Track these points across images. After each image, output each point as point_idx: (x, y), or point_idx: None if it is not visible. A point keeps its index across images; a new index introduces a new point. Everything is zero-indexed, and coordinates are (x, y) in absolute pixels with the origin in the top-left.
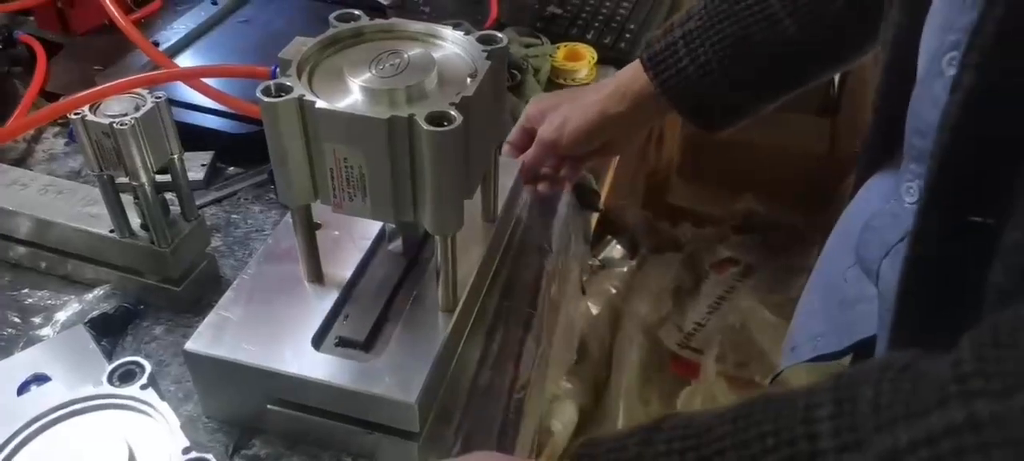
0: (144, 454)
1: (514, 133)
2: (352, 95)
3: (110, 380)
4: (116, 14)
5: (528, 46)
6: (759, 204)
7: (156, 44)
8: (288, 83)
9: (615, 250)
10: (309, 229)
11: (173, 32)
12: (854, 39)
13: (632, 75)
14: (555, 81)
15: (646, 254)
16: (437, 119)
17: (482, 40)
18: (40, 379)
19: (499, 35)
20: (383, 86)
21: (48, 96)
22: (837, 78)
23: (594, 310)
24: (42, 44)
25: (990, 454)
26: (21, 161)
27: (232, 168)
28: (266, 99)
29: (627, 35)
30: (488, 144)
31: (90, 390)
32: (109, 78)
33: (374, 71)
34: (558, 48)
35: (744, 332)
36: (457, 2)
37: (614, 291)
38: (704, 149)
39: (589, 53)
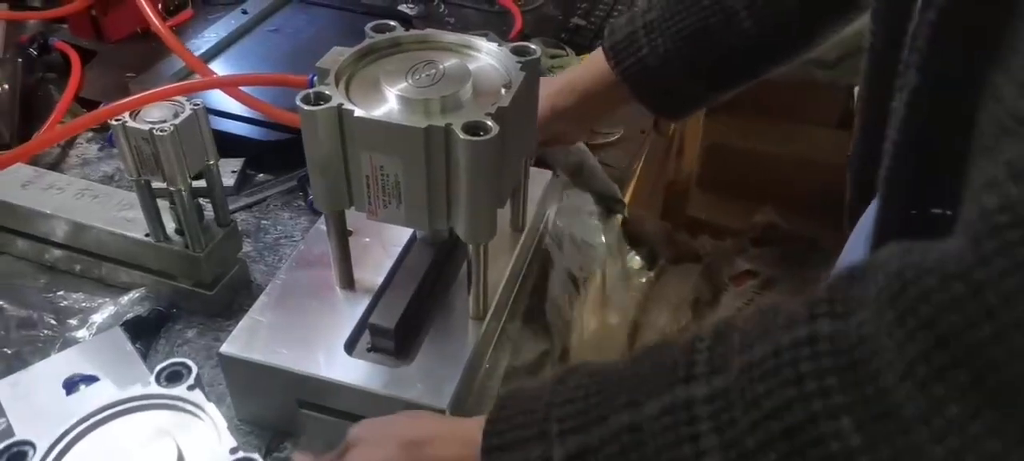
0: (192, 453)
1: None
2: (389, 104)
3: (158, 380)
4: (157, 23)
5: (553, 57)
6: (778, 216)
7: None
8: (327, 92)
9: (634, 261)
10: (343, 235)
11: (204, 40)
12: (805, 34)
13: (584, 69)
14: None
15: (665, 265)
16: (474, 129)
17: (516, 51)
18: (88, 379)
19: (532, 46)
20: (419, 96)
21: (82, 102)
22: (856, 91)
23: (613, 320)
24: (76, 51)
25: (821, 362)
26: (55, 166)
27: (261, 175)
28: (306, 107)
29: None
30: (520, 154)
31: (139, 390)
32: (142, 85)
33: (410, 81)
34: (582, 59)
35: None
36: (482, 13)
37: (633, 302)
38: (724, 161)
39: (571, 55)
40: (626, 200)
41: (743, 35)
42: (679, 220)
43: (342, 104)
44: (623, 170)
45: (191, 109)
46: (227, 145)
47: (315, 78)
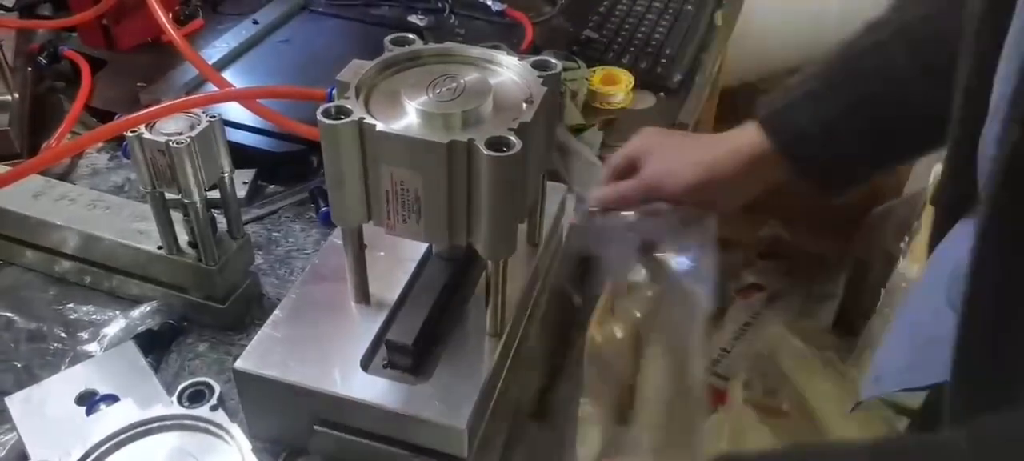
0: None
1: (617, 158)
2: (409, 118)
3: (180, 400)
4: (172, 33)
5: (565, 70)
6: (784, 230)
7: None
8: (348, 105)
9: (639, 274)
10: (360, 250)
11: (215, 50)
12: None
13: (747, 137)
14: (591, 105)
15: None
16: (497, 144)
17: (537, 66)
18: (109, 398)
19: (553, 61)
20: (440, 110)
21: (93, 111)
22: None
23: (618, 334)
24: (86, 60)
25: None
26: (65, 176)
27: (273, 186)
28: (327, 121)
29: (663, 60)
30: (539, 169)
31: (160, 410)
32: (153, 94)
33: (431, 95)
34: (594, 72)
35: (772, 360)
36: (492, 25)
37: (639, 315)
38: None
39: (625, 77)
40: None
41: (912, 105)
42: None
43: (363, 118)
44: None
45: (207, 121)
46: (238, 156)
47: (334, 91)
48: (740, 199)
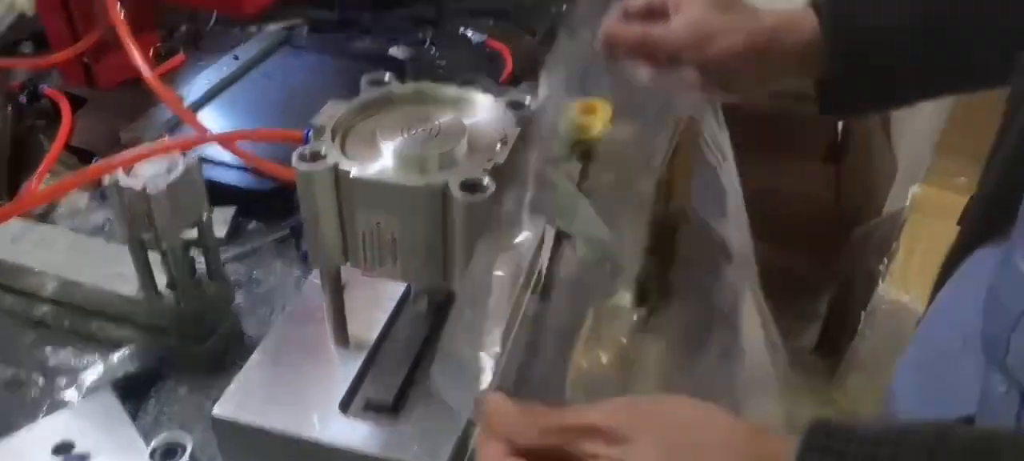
0: None
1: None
2: (385, 161)
3: (152, 458)
4: (148, 73)
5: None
6: (766, 251)
7: (180, 100)
8: (322, 149)
9: (624, 298)
10: (338, 291)
11: (195, 87)
12: None
13: (806, 19)
14: (568, 135)
15: (655, 302)
16: (471, 187)
17: (511, 105)
18: (83, 458)
19: (527, 99)
20: (415, 153)
21: (73, 150)
22: (840, 124)
23: (604, 359)
24: (67, 98)
25: None
26: (45, 216)
27: (253, 223)
28: (302, 167)
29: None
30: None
31: None
32: (133, 133)
33: (406, 136)
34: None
35: None
36: (472, 56)
37: (624, 340)
38: None
39: (603, 106)
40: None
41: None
42: (667, 256)
43: (338, 163)
44: (615, 215)
45: (185, 164)
46: (218, 193)
47: (311, 133)
48: (772, 85)
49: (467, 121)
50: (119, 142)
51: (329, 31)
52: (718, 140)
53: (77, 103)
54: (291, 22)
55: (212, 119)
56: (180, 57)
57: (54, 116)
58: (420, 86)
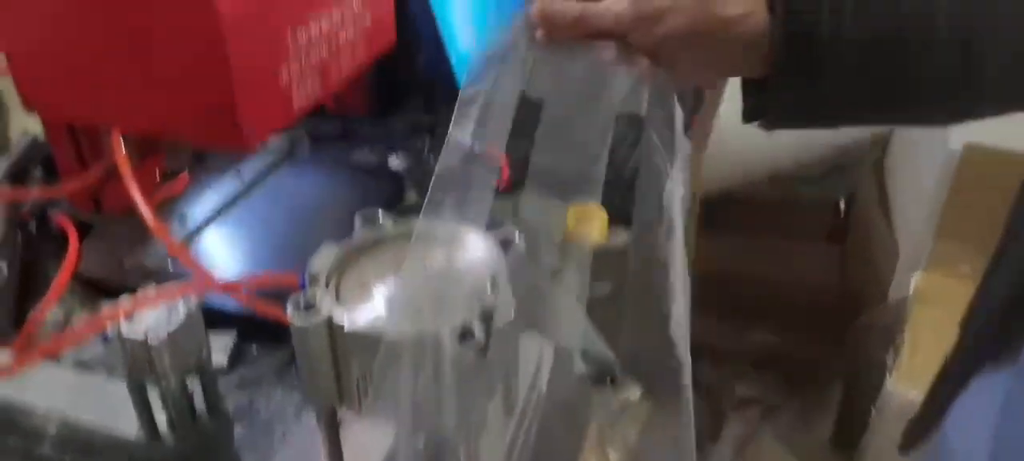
0: None
1: None
2: (378, 308)
3: None
4: (150, 217)
5: (543, 211)
6: (773, 336)
7: (184, 221)
8: (316, 300)
9: (633, 391)
10: (335, 432)
11: (200, 208)
12: None
13: (752, 5)
14: (565, 244)
15: (663, 395)
16: (461, 336)
17: (502, 242)
18: None
19: (516, 235)
20: (407, 299)
21: (79, 279)
22: (843, 203)
23: (613, 457)
24: (74, 224)
25: None
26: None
27: (255, 348)
28: (297, 322)
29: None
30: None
31: None
32: (137, 260)
33: (398, 281)
34: (572, 210)
35: None
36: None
37: (634, 436)
38: (714, 282)
39: (599, 214)
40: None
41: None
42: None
43: (331, 315)
44: (615, 327)
45: (185, 310)
46: (219, 319)
47: (306, 278)
48: (720, 74)
49: (458, 261)
50: (124, 271)
51: (331, 140)
52: (665, 138)
53: (84, 229)
54: (293, 135)
55: (216, 243)
56: (184, 177)
57: (62, 242)
58: (411, 224)
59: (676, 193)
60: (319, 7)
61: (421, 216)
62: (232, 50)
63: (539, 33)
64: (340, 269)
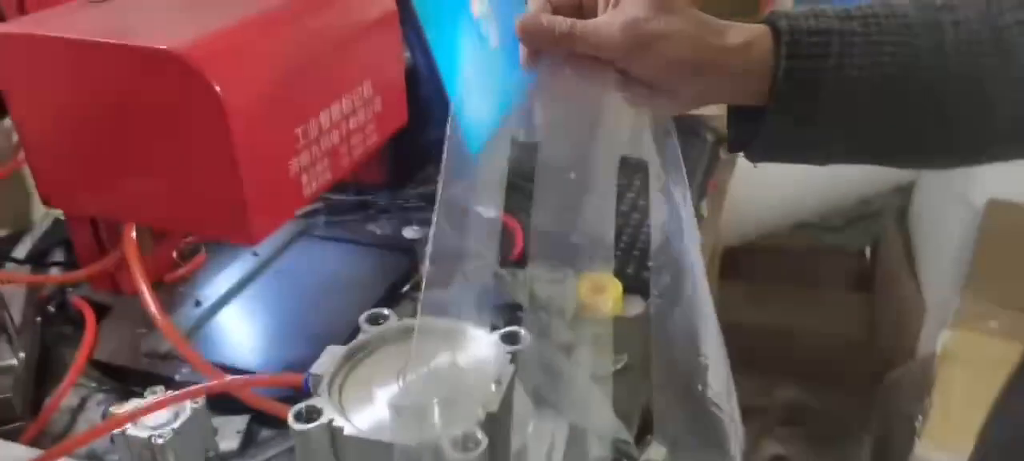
0: None
1: None
2: (380, 412)
3: None
4: (158, 314)
5: (551, 282)
6: (801, 390)
7: (198, 303)
8: (319, 404)
9: (658, 452)
10: None
11: (216, 287)
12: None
13: (753, 35)
14: (579, 317)
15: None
16: (463, 443)
17: (505, 339)
18: None
19: (521, 333)
20: (410, 403)
21: (95, 364)
22: (869, 251)
23: None
24: (92, 307)
25: None
26: (64, 434)
27: (265, 431)
28: (297, 426)
29: (650, 262)
30: (509, 437)
31: None
32: (152, 344)
33: (400, 384)
34: (581, 280)
35: None
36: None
37: None
38: (737, 334)
39: (613, 284)
40: (633, 438)
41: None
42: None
43: (333, 420)
44: (630, 403)
45: (191, 409)
46: (231, 403)
47: (309, 380)
48: (708, 103)
49: (461, 360)
50: (139, 354)
51: (346, 211)
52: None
53: (102, 310)
54: (310, 207)
55: (230, 323)
56: (201, 257)
57: (80, 323)
58: (413, 324)
59: (693, 241)
60: (329, 99)
61: (420, 308)
62: (240, 148)
63: (523, 52)
64: (345, 373)
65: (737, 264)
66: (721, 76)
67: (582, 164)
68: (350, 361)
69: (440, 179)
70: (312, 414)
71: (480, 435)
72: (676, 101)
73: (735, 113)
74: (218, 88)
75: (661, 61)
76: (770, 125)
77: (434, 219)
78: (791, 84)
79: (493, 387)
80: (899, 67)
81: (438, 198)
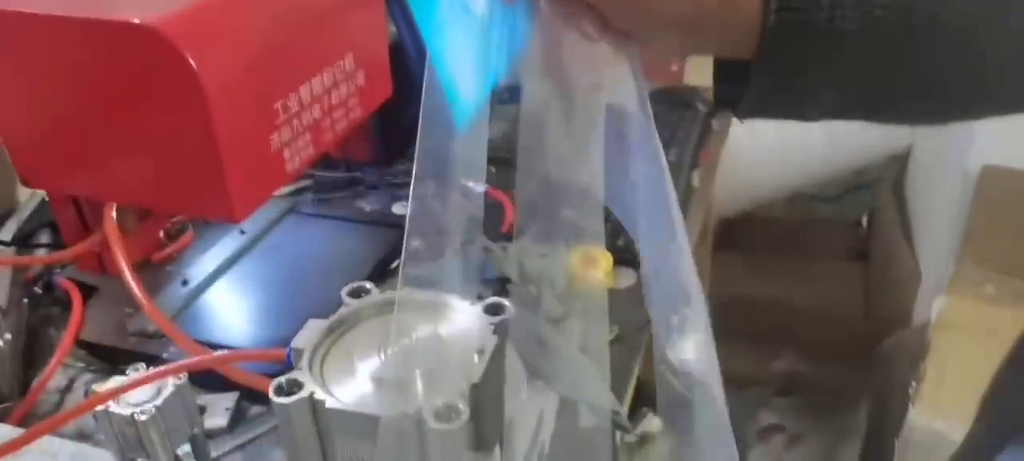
0: None
1: None
2: (362, 385)
3: None
4: (141, 296)
5: (542, 256)
6: (799, 360)
7: (185, 282)
8: (300, 378)
9: (653, 424)
10: None
11: (203, 267)
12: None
13: None
14: (569, 289)
15: (685, 430)
16: (445, 414)
17: (488, 310)
18: None
19: (505, 305)
20: (391, 375)
21: (82, 344)
22: (865, 220)
23: None
24: (79, 287)
25: None
26: (52, 412)
27: (255, 407)
28: (277, 399)
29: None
30: (497, 410)
31: None
32: (139, 325)
33: (382, 356)
34: (571, 253)
35: None
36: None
37: None
38: (733, 305)
39: (604, 257)
40: (625, 408)
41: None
42: None
43: (314, 393)
44: (622, 372)
45: (173, 385)
46: (220, 380)
47: (292, 354)
48: (697, 54)
49: (443, 331)
50: (126, 333)
51: (335, 188)
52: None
53: (89, 291)
54: (298, 184)
55: (218, 302)
56: (189, 235)
57: (66, 304)
58: (396, 296)
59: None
60: (309, 73)
61: (400, 280)
62: (218, 124)
63: None
64: (327, 345)
65: (733, 236)
66: (708, 29)
67: (568, 113)
68: (332, 334)
69: (417, 145)
70: (293, 387)
71: (462, 406)
72: (655, 51)
73: (723, 67)
74: (193, 62)
75: (659, 20)
76: (759, 78)
77: (412, 189)
78: (781, 35)
79: (476, 358)
80: (892, 16)
81: (416, 166)
